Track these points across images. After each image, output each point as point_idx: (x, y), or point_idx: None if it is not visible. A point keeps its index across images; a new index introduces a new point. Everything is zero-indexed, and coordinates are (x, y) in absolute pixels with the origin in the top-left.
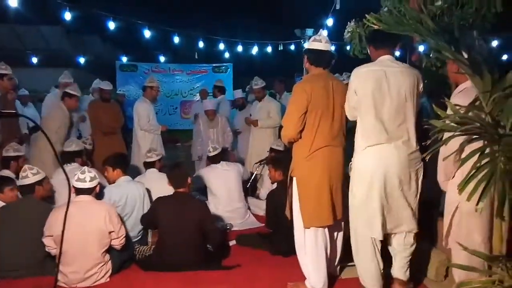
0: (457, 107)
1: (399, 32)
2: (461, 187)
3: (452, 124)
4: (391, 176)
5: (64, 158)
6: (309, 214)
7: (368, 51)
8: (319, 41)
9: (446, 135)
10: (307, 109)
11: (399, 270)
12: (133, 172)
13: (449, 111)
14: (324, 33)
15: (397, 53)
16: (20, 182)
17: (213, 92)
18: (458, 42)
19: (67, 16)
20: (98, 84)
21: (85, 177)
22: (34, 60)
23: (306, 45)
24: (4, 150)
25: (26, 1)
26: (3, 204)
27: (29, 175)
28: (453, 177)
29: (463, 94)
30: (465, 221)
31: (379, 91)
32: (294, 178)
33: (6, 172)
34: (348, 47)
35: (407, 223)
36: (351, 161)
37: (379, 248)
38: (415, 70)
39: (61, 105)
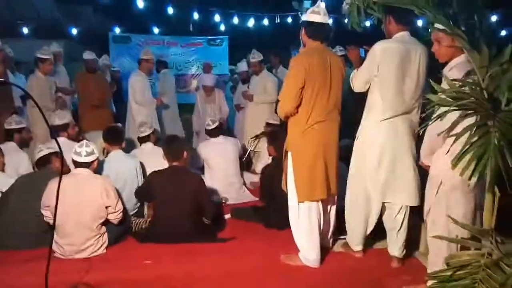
0: (454, 82)
1: (398, 4)
2: (455, 162)
3: (448, 98)
4: (400, 147)
5: (50, 132)
6: (303, 188)
7: (385, 22)
8: (317, 13)
9: (442, 109)
10: (304, 84)
11: (396, 248)
12: (128, 146)
13: (444, 85)
14: (322, 5)
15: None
16: (36, 157)
17: (156, 67)
18: (456, 16)
19: None
20: (105, 60)
21: (81, 151)
22: (25, 30)
23: (304, 17)
24: (6, 123)
25: None
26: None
27: (44, 149)
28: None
29: (457, 69)
30: (446, 197)
31: (402, 67)
32: (289, 152)
33: (10, 144)
34: (346, 20)
35: (407, 196)
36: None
37: (376, 213)
38: (426, 47)
39: (36, 72)
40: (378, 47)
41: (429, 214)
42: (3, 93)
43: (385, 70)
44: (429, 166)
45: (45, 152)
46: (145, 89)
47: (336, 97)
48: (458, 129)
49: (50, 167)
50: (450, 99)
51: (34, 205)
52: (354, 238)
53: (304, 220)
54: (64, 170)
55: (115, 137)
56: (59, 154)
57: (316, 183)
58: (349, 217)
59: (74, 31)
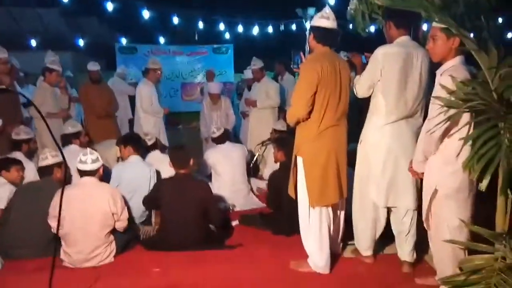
0: (462, 84)
1: (403, 7)
2: (465, 164)
3: (458, 100)
4: (404, 151)
5: (62, 140)
6: (316, 193)
7: (385, 28)
8: (326, 18)
9: (451, 111)
10: (317, 89)
11: (406, 252)
12: None
13: (449, 86)
14: (329, 10)
15: None
16: (39, 164)
17: None
18: (463, 17)
19: None
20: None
21: (87, 159)
22: (33, 43)
23: (313, 22)
24: (14, 133)
25: None
26: (4, 182)
27: (49, 157)
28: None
29: (453, 72)
30: (442, 204)
31: (405, 71)
32: (300, 158)
33: (18, 155)
34: (350, 26)
35: (409, 199)
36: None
37: (383, 217)
38: (427, 51)
39: (41, 82)
40: (380, 52)
41: (428, 221)
42: (10, 104)
43: (388, 75)
44: (419, 173)
45: (49, 161)
46: (153, 98)
47: (345, 102)
48: (463, 131)
49: (51, 178)
50: (460, 101)
51: (37, 215)
52: (363, 243)
53: (315, 225)
54: (63, 178)
55: (137, 142)
56: (62, 165)
57: (329, 187)
58: (357, 222)
59: (81, 42)
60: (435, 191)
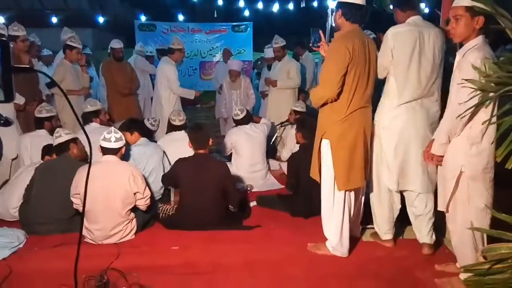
0: (495, 66)
1: None
2: (501, 152)
3: (492, 84)
4: (416, 134)
5: (82, 119)
6: (343, 177)
7: (395, 17)
8: None
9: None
10: (347, 69)
11: (424, 234)
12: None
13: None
14: None
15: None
16: (54, 143)
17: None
18: None
19: None
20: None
21: (111, 137)
22: (54, 20)
23: None
24: (36, 111)
25: None
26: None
27: (62, 135)
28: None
29: (477, 51)
30: (467, 186)
31: (417, 51)
32: (326, 141)
33: (42, 132)
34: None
35: (418, 183)
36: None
37: (398, 200)
38: (441, 29)
39: (62, 60)
40: (390, 32)
41: (448, 203)
42: (29, 82)
43: (399, 54)
44: (436, 157)
45: (63, 138)
46: (177, 79)
47: (373, 83)
48: (488, 111)
49: (68, 154)
50: (493, 84)
51: (56, 192)
52: (382, 226)
53: (338, 209)
54: (82, 156)
55: (141, 126)
56: (77, 141)
57: (356, 171)
58: (374, 205)
59: (101, 19)
60: (461, 173)
